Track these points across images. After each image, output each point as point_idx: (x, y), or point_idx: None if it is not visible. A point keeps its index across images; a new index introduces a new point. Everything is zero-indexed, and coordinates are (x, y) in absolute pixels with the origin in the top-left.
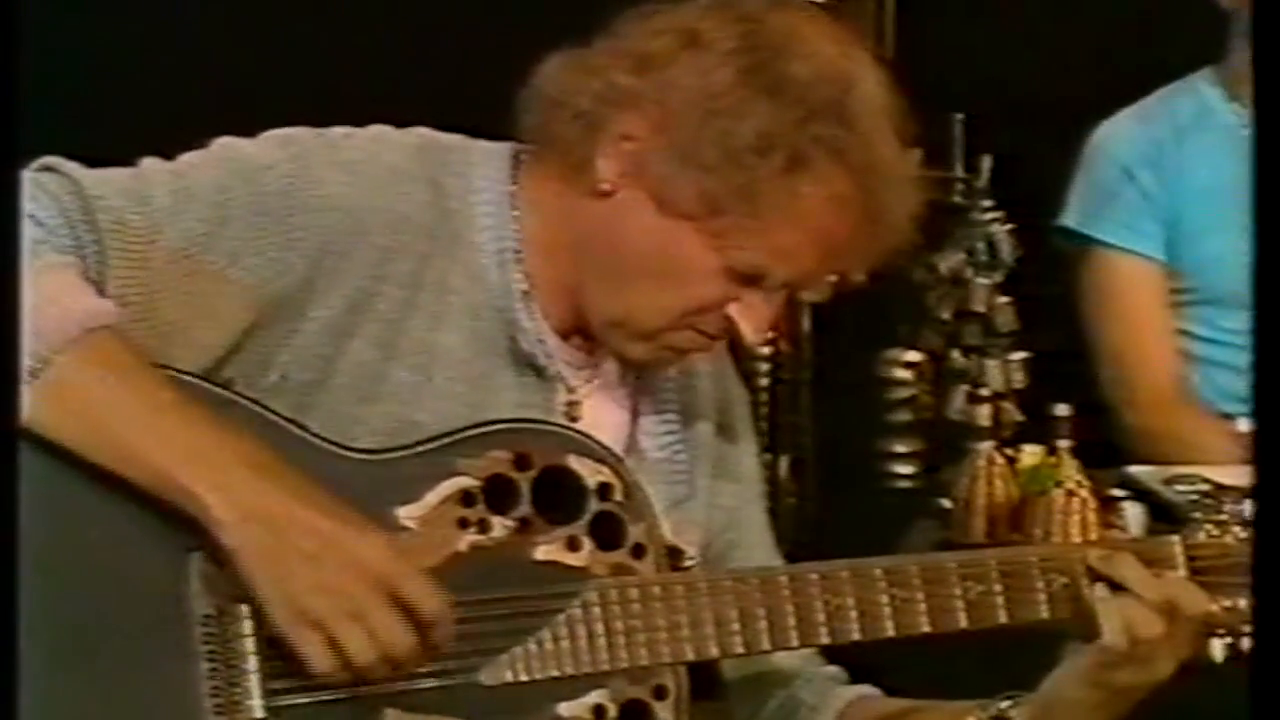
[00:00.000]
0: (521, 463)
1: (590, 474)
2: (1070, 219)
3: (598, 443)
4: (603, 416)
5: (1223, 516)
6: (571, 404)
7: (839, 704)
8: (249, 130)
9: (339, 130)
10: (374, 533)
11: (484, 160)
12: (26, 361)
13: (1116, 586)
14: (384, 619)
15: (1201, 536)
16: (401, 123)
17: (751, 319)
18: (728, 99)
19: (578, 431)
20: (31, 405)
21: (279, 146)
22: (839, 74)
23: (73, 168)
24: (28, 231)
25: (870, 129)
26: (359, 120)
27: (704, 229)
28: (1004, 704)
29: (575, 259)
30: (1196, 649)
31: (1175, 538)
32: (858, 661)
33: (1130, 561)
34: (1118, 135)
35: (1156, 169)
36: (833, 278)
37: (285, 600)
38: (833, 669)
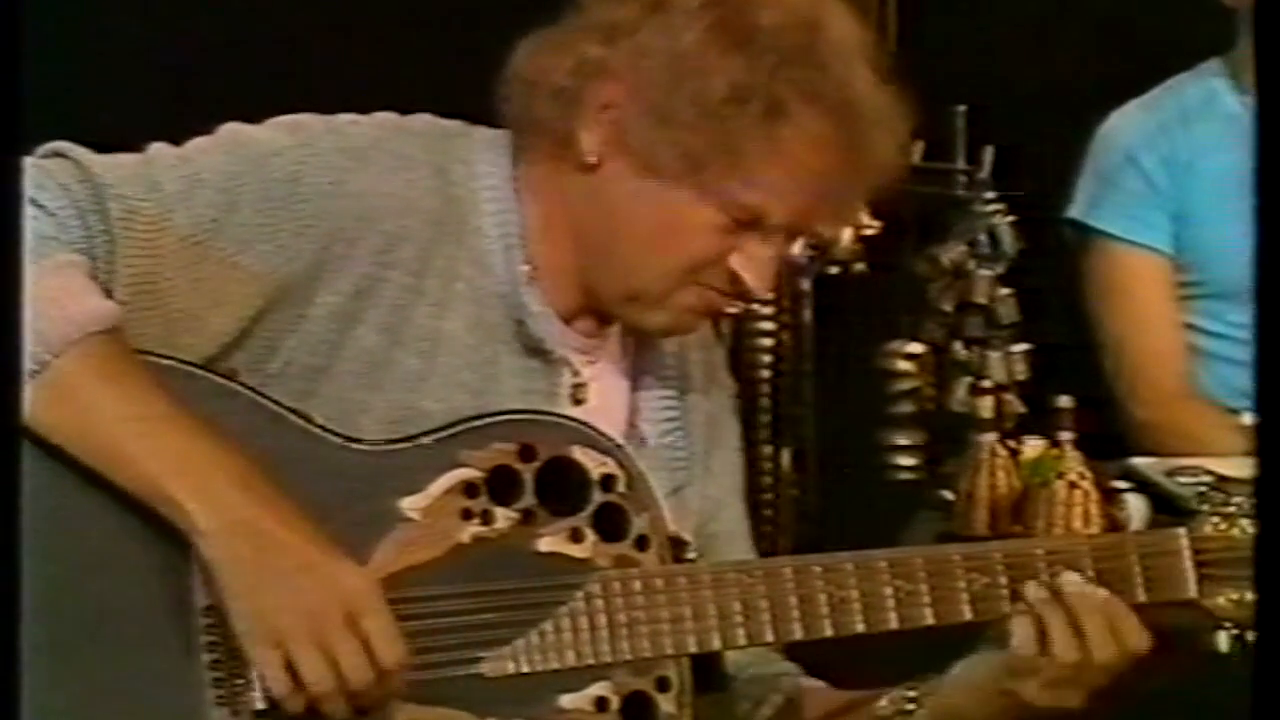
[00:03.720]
0: (525, 454)
1: (594, 465)
2: (1076, 210)
3: (602, 434)
4: (607, 400)
5: (1230, 509)
6: (577, 386)
7: (777, 699)
8: (255, 116)
9: (345, 117)
10: (351, 564)
11: (486, 147)
12: (27, 362)
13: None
14: (347, 650)
15: (1208, 529)
16: (405, 110)
17: (754, 269)
18: (698, 56)
19: (582, 423)
20: (30, 405)
21: (286, 133)
22: (806, 18)
23: (82, 153)
24: (37, 223)
25: (843, 68)
26: (363, 107)
27: (692, 185)
28: (912, 692)
29: (576, 240)
30: (1110, 684)
31: (1181, 530)
32: (827, 657)
33: (1076, 582)
34: (1124, 126)
35: (1163, 158)
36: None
37: (252, 614)
38: (786, 665)
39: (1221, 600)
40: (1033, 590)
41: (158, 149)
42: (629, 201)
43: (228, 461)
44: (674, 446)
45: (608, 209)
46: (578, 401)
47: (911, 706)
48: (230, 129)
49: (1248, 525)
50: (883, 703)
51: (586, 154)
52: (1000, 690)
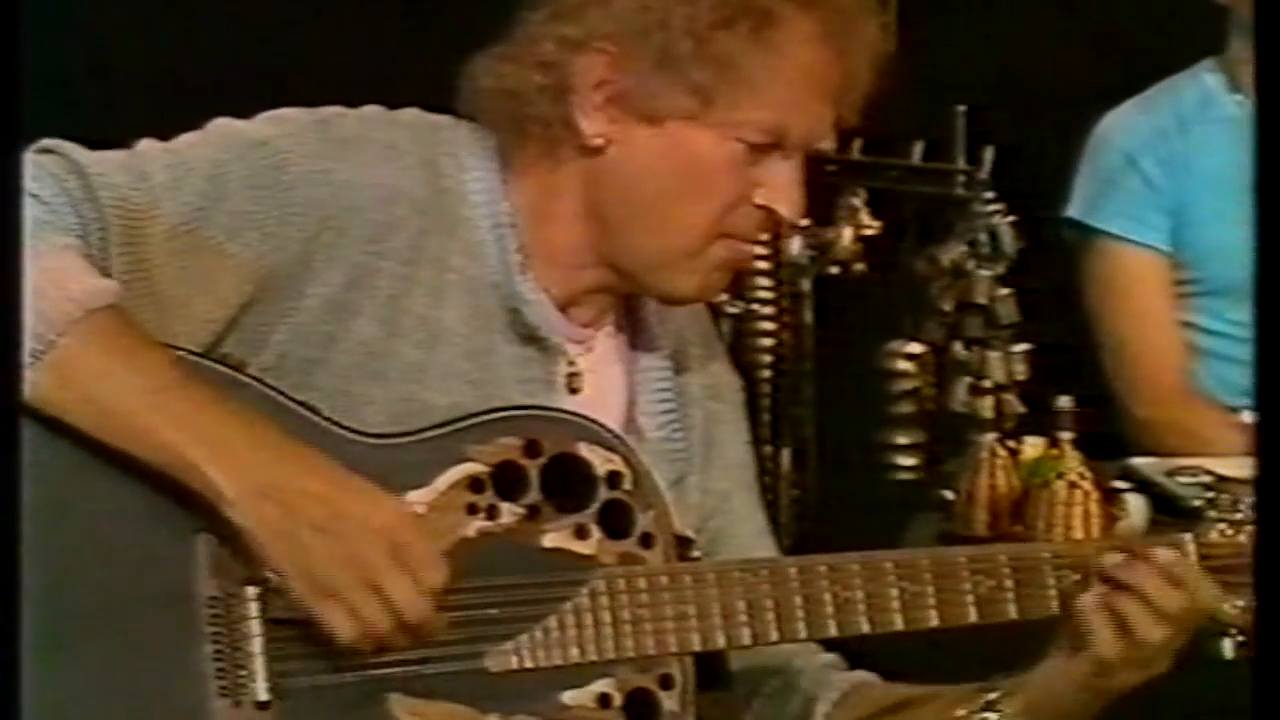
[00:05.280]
0: (531, 450)
1: (600, 462)
2: (1075, 210)
3: (608, 430)
4: (604, 391)
5: (1238, 515)
6: (572, 375)
7: (834, 694)
8: (244, 112)
9: (332, 109)
10: (382, 496)
11: (473, 139)
12: (30, 344)
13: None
14: (400, 585)
15: (1215, 535)
16: (392, 105)
17: (783, 198)
18: None
19: (588, 419)
20: (36, 387)
21: (274, 124)
22: None
23: (71, 148)
24: (31, 211)
25: None
26: (350, 102)
27: (706, 121)
28: (992, 695)
29: (592, 224)
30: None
31: (1188, 536)
32: (856, 647)
33: (1148, 571)
34: (1121, 125)
35: (1160, 159)
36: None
37: (302, 574)
38: (829, 656)
39: (1227, 606)
40: (1089, 597)
41: (146, 144)
42: (647, 166)
43: (245, 425)
44: (672, 439)
45: (625, 182)
46: (573, 390)
47: (993, 717)
48: (218, 123)
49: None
50: (959, 712)
51: (591, 138)
52: (1088, 687)
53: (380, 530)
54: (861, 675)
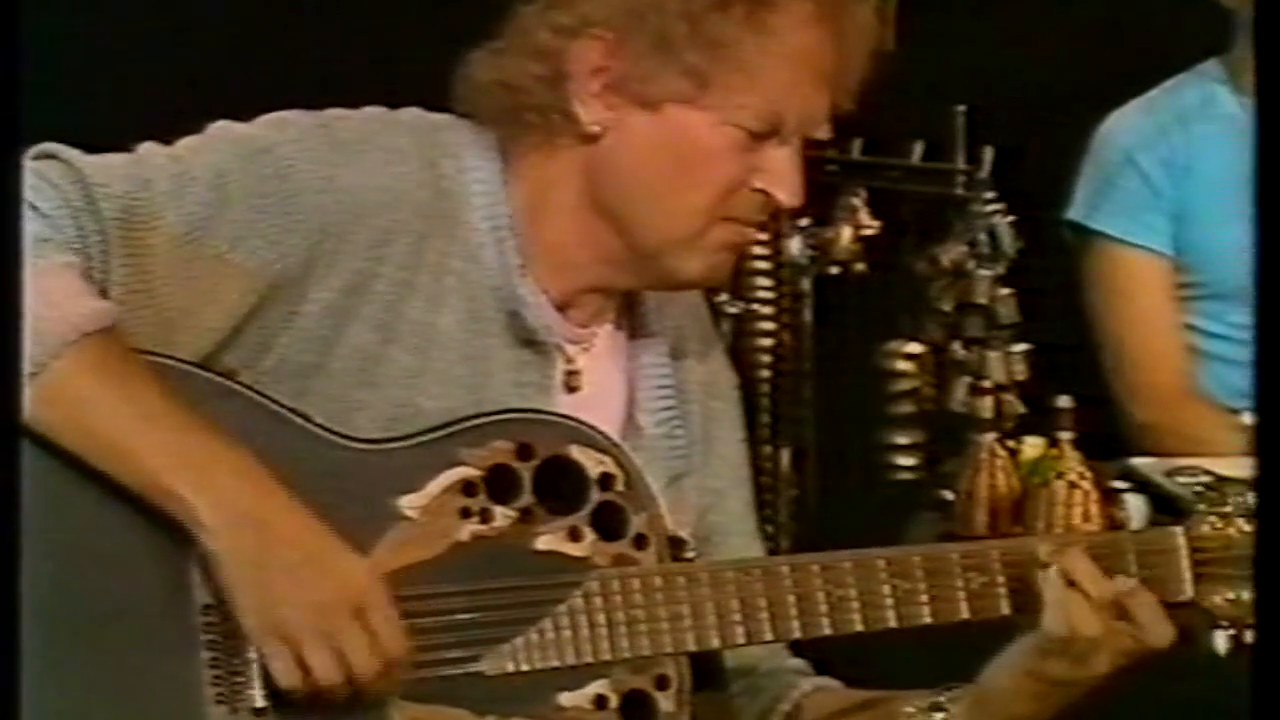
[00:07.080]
0: (524, 452)
1: (592, 464)
2: (1076, 212)
3: (600, 433)
4: (602, 389)
5: (1227, 508)
6: (571, 374)
7: (796, 694)
8: (248, 115)
9: (334, 112)
10: (354, 556)
11: (474, 139)
12: (25, 364)
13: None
14: (353, 642)
15: (1205, 529)
16: (392, 104)
17: (781, 181)
18: None
19: (580, 421)
20: (29, 407)
21: (276, 129)
22: None
23: (74, 154)
24: (30, 225)
25: None
26: (353, 102)
27: (703, 105)
28: (941, 698)
29: (590, 215)
30: (1138, 655)
31: (1179, 529)
32: (826, 655)
33: (1080, 556)
34: (1123, 127)
35: (1161, 160)
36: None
37: (260, 609)
38: (797, 661)
39: (1218, 599)
40: (1053, 575)
41: (147, 148)
42: (645, 152)
43: (229, 455)
44: (671, 436)
45: (623, 169)
46: (571, 389)
47: (940, 716)
48: (219, 127)
49: (1244, 524)
50: (908, 709)
51: (589, 125)
52: (1030, 676)
53: (349, 588)
54: (823, 680)
